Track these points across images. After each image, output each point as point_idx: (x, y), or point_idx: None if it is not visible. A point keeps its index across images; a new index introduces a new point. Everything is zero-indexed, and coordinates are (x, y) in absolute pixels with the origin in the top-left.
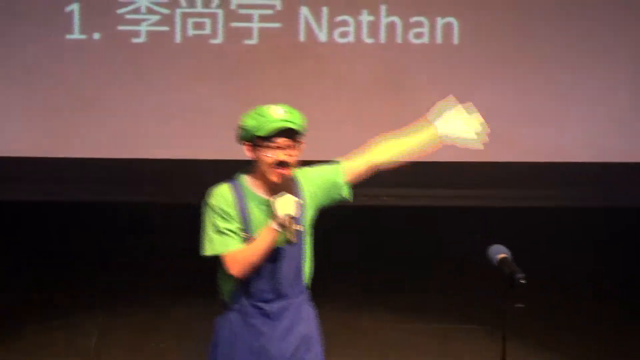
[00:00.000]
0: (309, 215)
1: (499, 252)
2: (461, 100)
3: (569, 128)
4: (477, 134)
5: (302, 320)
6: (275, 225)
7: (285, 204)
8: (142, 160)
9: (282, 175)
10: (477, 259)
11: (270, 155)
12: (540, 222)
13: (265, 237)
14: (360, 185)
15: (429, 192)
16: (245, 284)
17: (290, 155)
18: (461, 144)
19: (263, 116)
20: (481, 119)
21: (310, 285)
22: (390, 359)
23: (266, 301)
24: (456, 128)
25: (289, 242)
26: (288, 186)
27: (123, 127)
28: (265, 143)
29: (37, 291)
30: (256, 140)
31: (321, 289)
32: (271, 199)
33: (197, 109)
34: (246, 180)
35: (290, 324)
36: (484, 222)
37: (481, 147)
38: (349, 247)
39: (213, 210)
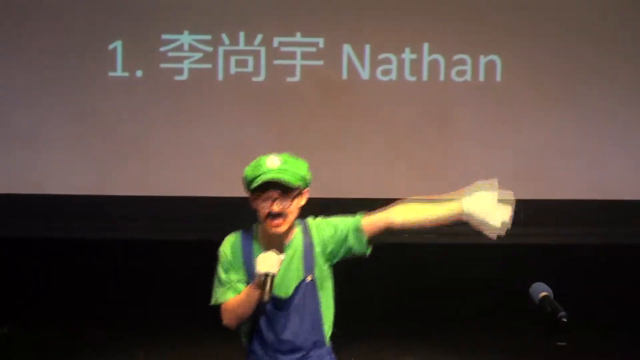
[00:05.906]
0: (324, 267)
1: (541, 291)
2: (505, 139)
3: (612, 165)
4: (502, 223)
5: None
6: (255, 282)
7: (264, 261)
8: (185, 198)
9: (277, 227)
10: (519, 297)
11: (261, 207)
12: (582, 259)
13: (248, 291)
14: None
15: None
16: (261, 333)
17: (283, 207)
18: (478, 227)
19: (258, 166)
20: (510, 212)
21: (330, 338)
22: None
23: (281, 352)
24: (483, 210)
25: (262, 300)
26: (283, 238)
27: (165, 164)
28: (257, 194)
29: (90, 326)
30: (252, 191)
31: (362, 328)
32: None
33: (239, 146)
34: (258, 229)
35: None
36: (526, 259)
37: (494, 238)
38: (390, 286)
39: (220, 258)
